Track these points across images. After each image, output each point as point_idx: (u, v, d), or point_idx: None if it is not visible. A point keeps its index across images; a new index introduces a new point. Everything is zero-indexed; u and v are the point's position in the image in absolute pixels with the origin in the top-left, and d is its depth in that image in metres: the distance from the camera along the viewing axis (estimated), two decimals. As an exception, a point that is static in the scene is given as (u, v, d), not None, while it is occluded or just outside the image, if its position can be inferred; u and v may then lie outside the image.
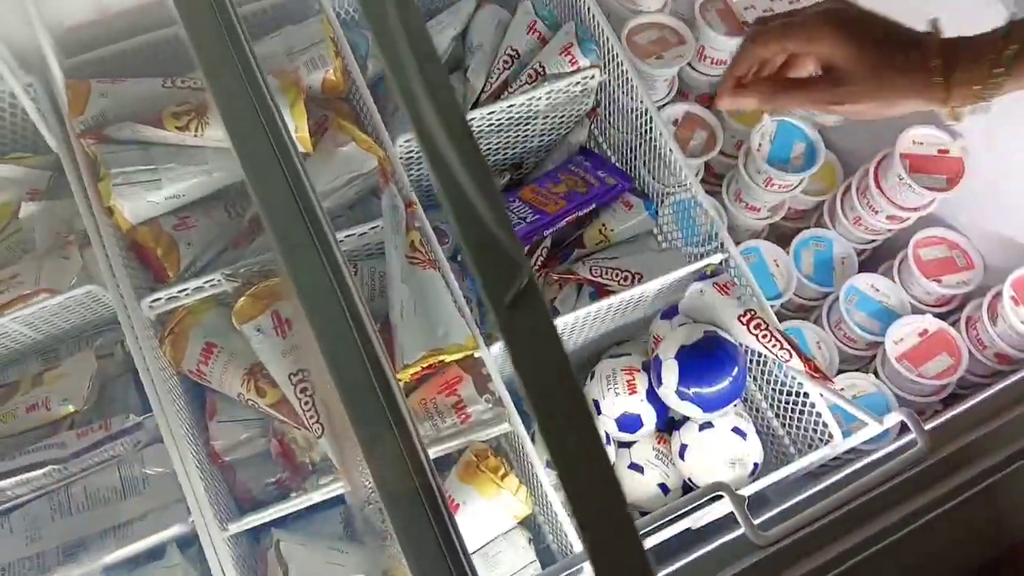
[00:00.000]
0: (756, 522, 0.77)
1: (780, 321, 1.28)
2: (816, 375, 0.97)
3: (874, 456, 0.89)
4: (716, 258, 1.05)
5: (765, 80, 0.70)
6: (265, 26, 1.11)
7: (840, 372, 1.24)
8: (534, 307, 0.55)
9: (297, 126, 1.00)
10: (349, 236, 1.02)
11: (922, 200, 1.21)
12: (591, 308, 1.01)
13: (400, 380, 0.97)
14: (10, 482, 0.91)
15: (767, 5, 1.35)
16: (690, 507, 0.77)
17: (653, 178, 1.20)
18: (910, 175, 1.18)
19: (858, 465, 0.89)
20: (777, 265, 1.32)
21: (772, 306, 1.29)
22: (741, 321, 1.00)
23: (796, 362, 0.98)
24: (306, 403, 0.89)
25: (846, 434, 0.97)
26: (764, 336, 0.99)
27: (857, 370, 1.25)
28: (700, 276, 1.05)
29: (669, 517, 0.76)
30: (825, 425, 0.99)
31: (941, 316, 1.23)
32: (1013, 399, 0.85)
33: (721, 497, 0.77)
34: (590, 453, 0.49)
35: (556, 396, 0.53)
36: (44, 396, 0.95)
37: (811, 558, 0.74)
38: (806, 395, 1.01)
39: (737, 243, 1.31)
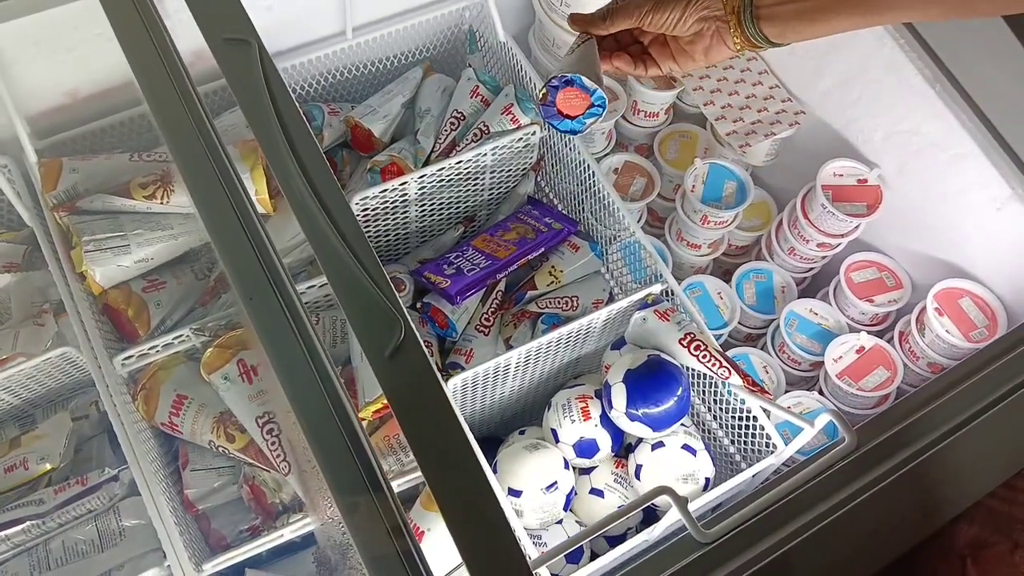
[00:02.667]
0: (701, 523, 0.82)
1: (728, 349, 1.36)
2: (754, 388, 1.04)
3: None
4: (655, 288, 1.12)
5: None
6: (226, 101, 1.20)
7: (787, 392, 1.30)
8: (413, 359, 0.62)
9: (257, 189, 1.08)
10: (310, 288, 1.08)
11: (847, 226, 1.30)
12: (542, 340, 1.08)
13: (363, 419, 1.02)
14: (-11, 541, 0.94)
15: (692, 60, 1.47)
16: (635, 509, 0.82)
17: (598, 222, 1.29)
18: (833, 204, 1.28)
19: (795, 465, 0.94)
20: (721, 297, 1.39)
21: (720, 335, 1.37)
22: (682, 344, 1.07)
23: (735, 378, 1.04)
24: (273, 443, 0.93)
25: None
26: (704, 356, 1.06)
27: (804, 390, 1.32)
28: (642, 305, 1.12)
29: (615, 523, 0.81)
30: (768, 436, 1.05)
31: (877, 334, 1.31)
32: (931, 396, 0.92)
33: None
34: (477, 498, 0.56)
35: (439, 439, 0.60)
36: (22, 456, 0.99)
37: (752, 548, 0.79)
38: (750, 410, 1.07)
39: (683, 279, 1.40)
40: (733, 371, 1.04)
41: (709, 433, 1.18)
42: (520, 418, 1.31)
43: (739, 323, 1.39)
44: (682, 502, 0.81)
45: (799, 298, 1.39)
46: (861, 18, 0.67)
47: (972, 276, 1.23)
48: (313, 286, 1.08)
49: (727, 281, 1.42)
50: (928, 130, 1.18)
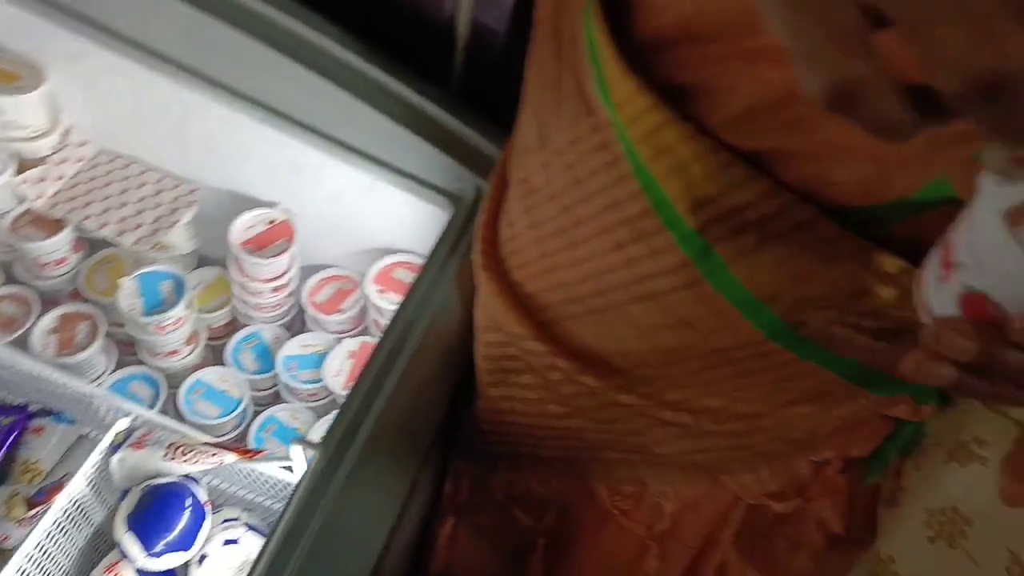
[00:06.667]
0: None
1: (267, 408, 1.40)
2: (247, 455, 1.07)
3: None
4: (120, 425, 1.10)
5: None
6: None
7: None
8: None
9: None
10: None
11: (280, 266, 1.39)
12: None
13: None
14: None
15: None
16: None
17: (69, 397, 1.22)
18: (256, 254, 1.35)
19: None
20: (225, 380, 1.42)
21: (242, 411, 1.39)
22: (167, 459, 1.07)
23: (228, 455, 1.07)
24: None
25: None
26: (190, 456, 1.06)
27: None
28: (114, 448, 1.09)
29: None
30: (287, 484, 1.10)
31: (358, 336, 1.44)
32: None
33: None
34: None
35: None
36: None
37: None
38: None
39: (181, 383, 1.40)
40: (218, 451, 1.06)
41: (257, 509, 1.20)
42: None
43: (263, 389, 1.44)
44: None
45: (294, 338, 1.47)
46: None
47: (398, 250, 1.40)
48: None
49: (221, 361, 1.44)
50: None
